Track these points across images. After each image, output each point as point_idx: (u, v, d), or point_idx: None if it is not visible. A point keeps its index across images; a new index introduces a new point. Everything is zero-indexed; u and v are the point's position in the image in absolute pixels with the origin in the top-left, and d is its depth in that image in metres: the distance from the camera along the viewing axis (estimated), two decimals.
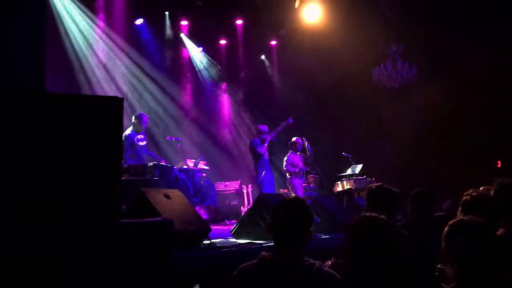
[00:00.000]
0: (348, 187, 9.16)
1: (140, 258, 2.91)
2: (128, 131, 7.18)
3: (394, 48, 10.30)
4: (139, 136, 7.26)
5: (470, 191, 3.47)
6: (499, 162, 9.37)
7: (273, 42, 12.34)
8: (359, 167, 9.58)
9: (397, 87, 10.53)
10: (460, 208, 3.06)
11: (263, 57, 12.64)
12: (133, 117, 7.39)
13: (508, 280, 2.10)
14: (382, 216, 2.43)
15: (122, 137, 3.14)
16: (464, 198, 3.04)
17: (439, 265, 2.45)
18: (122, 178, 5.94)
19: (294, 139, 8.75)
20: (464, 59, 9.73)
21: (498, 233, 3.04)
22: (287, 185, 8.70)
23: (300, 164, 8.61)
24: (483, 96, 9.61)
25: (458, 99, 9.62)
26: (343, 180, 9.57)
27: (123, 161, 6.80)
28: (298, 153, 8.68)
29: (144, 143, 7.36)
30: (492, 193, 3.24)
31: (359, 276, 2.25)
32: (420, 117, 10.09)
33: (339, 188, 9.59)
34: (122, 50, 9.78)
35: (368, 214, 2.44)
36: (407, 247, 2.87)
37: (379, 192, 3.24)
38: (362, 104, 10.38)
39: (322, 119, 11.35)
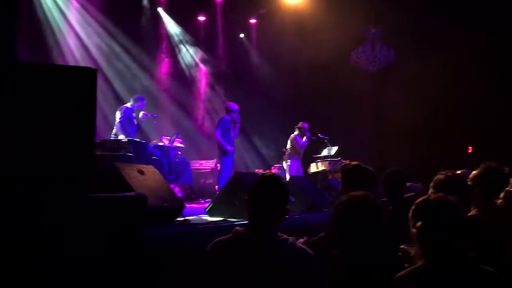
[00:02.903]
0: (323, 168, 9.25)
1: (112, 232, 2.88)
2: (128, 104, 7.64)
3: (373, 31, 10.31)
4: (134, 114, 7.65)
5: (444, 171, 3.51)
6: (470, 147, 9.58)
7: (253, 21, 12.20)
8: (334, 149, 9.65)
9: (375, 70, 10.59)
10: (432, 186, 3.09)
11: (242, 35, 12.50)
12: (135, 97, 7.77)
13: (475, 257, 2.14)
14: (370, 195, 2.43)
15: (95, 110, 3.06)
16: (437, 177, 3.07)
17: (402, 246, 2.47)
18: (96, 153, 5.85)
19: (302, 123, 9.16)
20: (444, 42, 9.80)
21: (470, 213, 3.11)
22: (285, 163, 9.20)
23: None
24: (461, 82, 9.75)
25: (436, 84, 9.72)
26: (318, 162, 9.65)
27: (114, 128, 7.34)
28: (302, 137, 9.09)
29: (136, 123, 7.71)
30: (475, 172, 3.27)
31: (346, 253, 2.26)
32: (398, 101, 10.18)
33: (314, 170, 9.68)
34: (97, 21, 9.52)
35: (357, 193, 2.41)
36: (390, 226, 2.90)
37: (355, 171, 3.20)
38: (341, 86, 10.40)
39: (300, 100, 11.36)
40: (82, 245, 2.69)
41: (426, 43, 10.02)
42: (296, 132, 9.18)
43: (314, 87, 10.96)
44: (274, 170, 9.64)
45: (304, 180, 7.27)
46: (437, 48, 9.80)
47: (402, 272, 2.04)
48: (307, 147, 9.30)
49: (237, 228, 2.13)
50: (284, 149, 9.46)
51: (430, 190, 3.16)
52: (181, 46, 11.79)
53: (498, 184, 3.31)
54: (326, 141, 9.72)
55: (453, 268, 1.95)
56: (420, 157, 9.74)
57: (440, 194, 2.25)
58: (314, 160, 9.77)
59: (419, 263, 2.04)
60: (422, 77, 9.87)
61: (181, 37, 11.73)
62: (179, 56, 11.80)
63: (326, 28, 10.06)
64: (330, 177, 8.58)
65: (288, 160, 9.15)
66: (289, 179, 7.26)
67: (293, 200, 6.13)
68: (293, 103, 11.26)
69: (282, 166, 9.48)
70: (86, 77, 3.01)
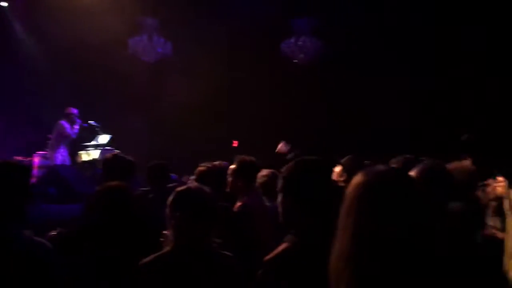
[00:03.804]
0: (92, 157, 8.84)
1: None
2: None
3: (150, 22, 10.30)
4: None
5: (205, 163, 3.77)
6: (234, 142, 10.46)
7: None
8: (106, 138, 9.29)
9: (152, 61, 10.61)
10: (195, 177, 3.28)
11: (3, 3, 10.92)
12: None
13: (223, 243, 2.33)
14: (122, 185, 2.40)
15: None
16: (199, 168, 3.28)
17: (164, 232, 2.56)
18: None
19: (70, 109, 8.64)
20: (219, 41, 10.41)
21: (238, 204, 3.40)
22: (50, 150, 8.56)
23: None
24: (233, 79, 10.56)
25: (210, 80, 10.25)
26: (88, 150, 9.16)
27: None
28: (71, 124, 8.61)
29: None
30: (233, 166, 3.55)
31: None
32: (174, 94, 10.39)
33: (84, 158, 9.17)
34: None
35: (109, 184, 2.38)
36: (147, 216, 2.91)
37: (113, 161, 3.17)
38: (117, 73, 10.08)
39: (72, 83, 10.57)
40: None
41: (202, 39, 10.46)
42: (64, 119, 8.58)
43: (88, 71, 10.33)
44: (37, 158, 8.75)
45: (70, 169, 6.84)
46: (212, 46, 10.37)
47: (147, 258, 2.07)
48: (77, 135, 8.78)
49: None
50: (50, 136, 8.69)
51: (193, 180, 3.35)
52: None
53: (253, 174, 3.66)
54: (97, 129, 9.27)
55: (194, 253, 2.07)
56: (193, 149, 10.17)
57: (195, 184, 2.38)
58: (84, 148, 9.24)
59: (167, 248, 2.11)
60: (197, 72, 10.32)
61: None
62: None
63: (103, 11, 9.61)
64: (99, 166, 8.25)
65: (54, 148, 8.47)
66: (52, 168, 6.74)
67: (54, 190, 5.72)
68: (63, 86, 10.41)
69: (47, 154, 8.69)
70: None
